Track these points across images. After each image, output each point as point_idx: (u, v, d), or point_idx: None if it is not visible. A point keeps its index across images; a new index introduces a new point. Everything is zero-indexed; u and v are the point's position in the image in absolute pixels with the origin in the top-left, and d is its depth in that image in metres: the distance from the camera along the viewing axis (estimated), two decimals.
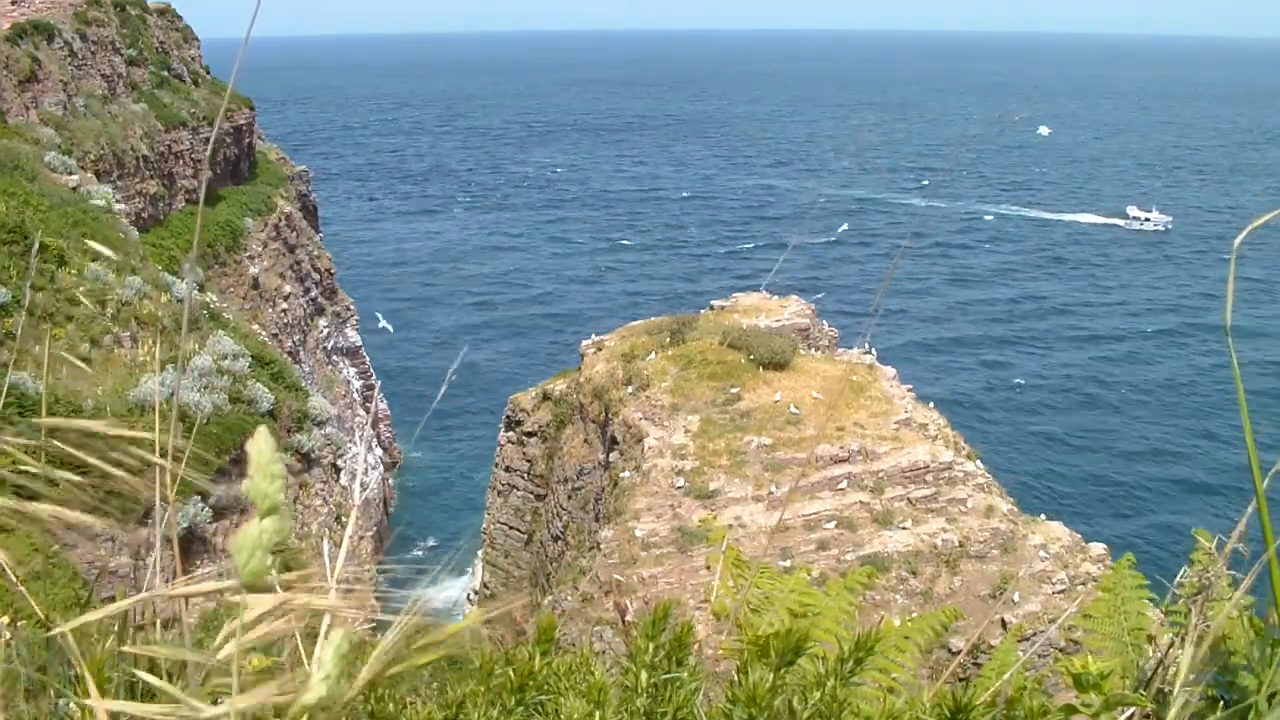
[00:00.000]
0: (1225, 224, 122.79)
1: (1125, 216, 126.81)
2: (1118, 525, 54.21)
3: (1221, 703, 2.00)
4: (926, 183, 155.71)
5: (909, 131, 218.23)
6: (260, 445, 0.87)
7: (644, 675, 1.96)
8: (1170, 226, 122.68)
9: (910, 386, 37.07)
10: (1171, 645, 2.12)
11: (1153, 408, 71.38)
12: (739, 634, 2.97)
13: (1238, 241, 1.61)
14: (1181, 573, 2.24)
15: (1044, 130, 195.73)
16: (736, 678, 1.87)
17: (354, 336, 62.74)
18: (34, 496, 1.21)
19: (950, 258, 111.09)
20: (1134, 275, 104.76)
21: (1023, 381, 75.62)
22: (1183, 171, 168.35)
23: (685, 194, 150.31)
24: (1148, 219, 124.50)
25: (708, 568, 25.78)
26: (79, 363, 19.74)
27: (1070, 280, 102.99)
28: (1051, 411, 70.76)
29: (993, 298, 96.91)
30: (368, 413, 61.64)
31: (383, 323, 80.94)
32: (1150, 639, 2.69)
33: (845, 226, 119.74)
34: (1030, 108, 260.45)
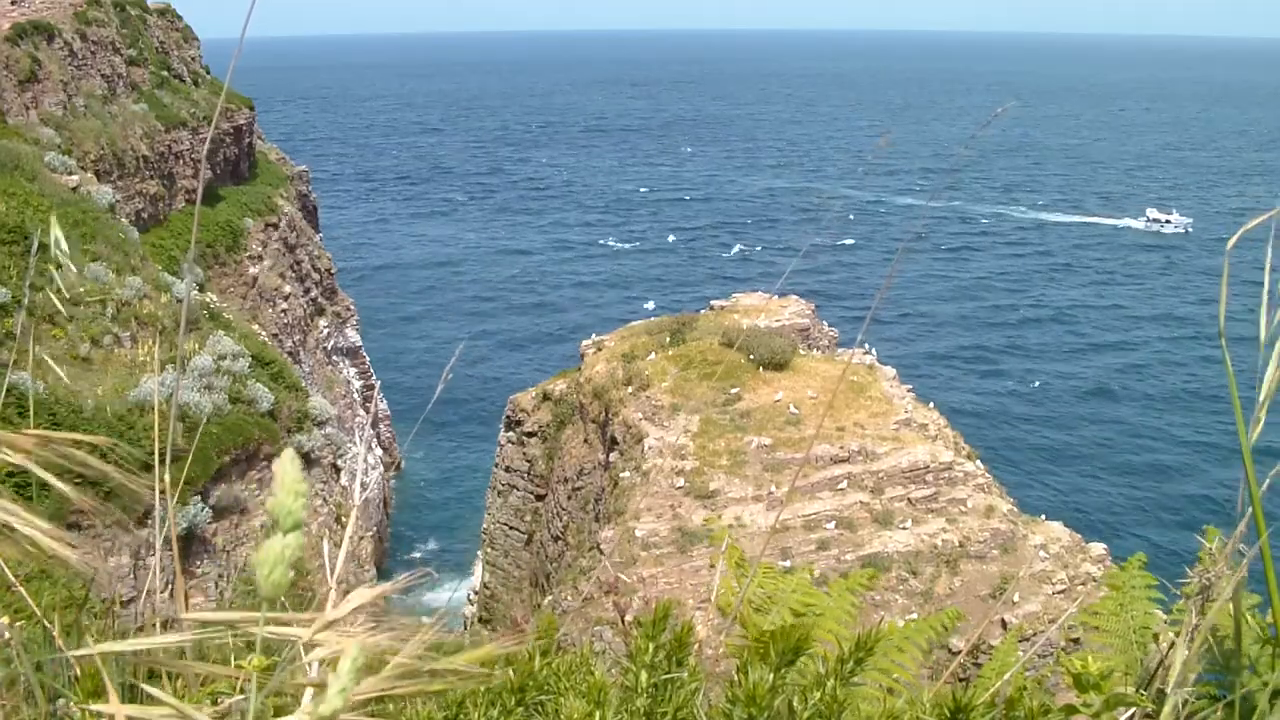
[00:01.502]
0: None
1: (1145, 219, 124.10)
2: (1121, 529, 54.16)
3: (1222, 702, 2.00)
4: (929, 184, 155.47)
5: (913, 132, 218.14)
6: (286, 465, 0.96)
7: (644, 675, 1.96)
8: (1191, 229, 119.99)
9: (910, 387, 37.05)
10: (1172, 646, 2.12)
11: (1163, 411, 70.95)
12: (742, 632, 2.97)
13: (1230, 243, 1.61)
14: (1185, 575, 2.24)
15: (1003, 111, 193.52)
16: (736, 678, 1.87)
17: (354, 336, 62.72)
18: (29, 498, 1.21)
19: (955, 260, 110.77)
20: (1156, 278, 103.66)
21: (1036, 384, 75.25)
22: (1191, 173, 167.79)
23: (687, 195, 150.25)
24: (1168, 221, 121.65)
25: (711, 566, 25.77)
26: (59, 371, 19.68)
27: (1085, 284, 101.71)
28: (1065, 416, 70.27)
29: (1000, 302, 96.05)
30: (368, 413, 61.62)
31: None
32: (1155, 638, 2.69)
33: (850, 229, 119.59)
34: (1032, 108, 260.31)
